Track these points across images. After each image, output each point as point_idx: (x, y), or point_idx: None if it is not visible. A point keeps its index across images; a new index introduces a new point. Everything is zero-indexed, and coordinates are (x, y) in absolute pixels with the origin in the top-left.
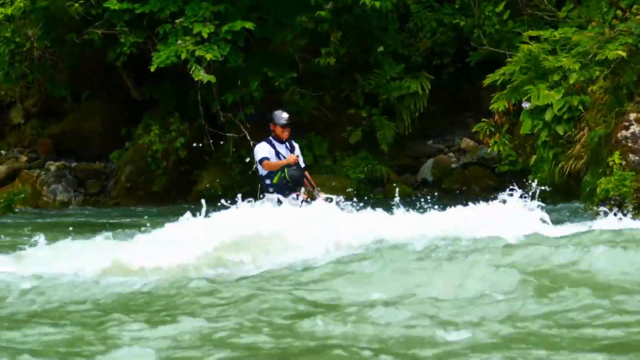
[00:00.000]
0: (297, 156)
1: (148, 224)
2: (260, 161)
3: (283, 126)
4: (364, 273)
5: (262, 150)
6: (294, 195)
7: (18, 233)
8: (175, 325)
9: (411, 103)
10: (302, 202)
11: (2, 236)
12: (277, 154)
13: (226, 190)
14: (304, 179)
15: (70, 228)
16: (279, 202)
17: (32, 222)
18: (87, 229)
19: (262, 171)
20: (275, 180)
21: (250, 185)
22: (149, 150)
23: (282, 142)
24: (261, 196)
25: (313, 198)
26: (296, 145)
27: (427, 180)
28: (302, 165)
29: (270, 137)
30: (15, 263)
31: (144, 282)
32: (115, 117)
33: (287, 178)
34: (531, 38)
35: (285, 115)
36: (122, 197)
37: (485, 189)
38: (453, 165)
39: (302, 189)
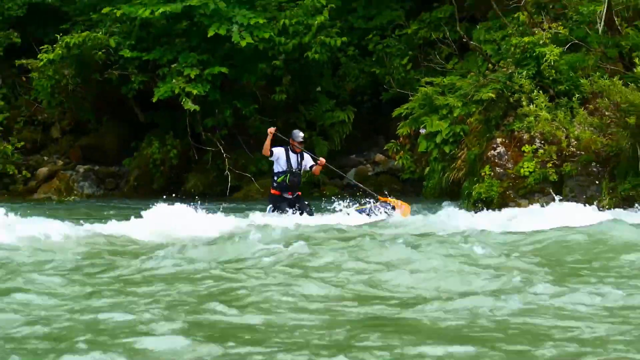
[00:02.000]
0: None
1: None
2: (271, 153)
3: (299, 142)
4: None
5: (276, 149)
6: (288, 194)
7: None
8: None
9: (340, 128)
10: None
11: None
12: (287, 160)
13: (205, 188)
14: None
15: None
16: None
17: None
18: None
19: (275, 170)
20: (279, 179)
21: (222, 185)
22: (151, 159)
23: (295, 153)
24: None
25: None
26: (306, 156)
27: (351, 183)
28: (309, 165)
29: (288, 147)
30: None
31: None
32: (126, 135)
33: (288, 182)
34: (427, 83)
35: (301, 134)
36: (131, 192)
37: (391, 191)
38: (369, 173)
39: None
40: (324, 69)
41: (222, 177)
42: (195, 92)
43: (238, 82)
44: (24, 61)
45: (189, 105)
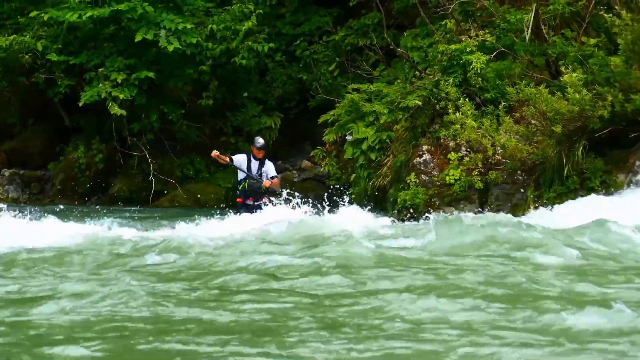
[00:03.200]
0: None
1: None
2: (230, 160)
3: (258, 148)
4: None
5: (237, 156)
6: (250, 200)
7: None
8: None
9: (267, 134)
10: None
11: None
12: (249, 166)
13: (131, 193)
14: (265, 188)
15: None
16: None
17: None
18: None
19: (238, 177)
20: (240, 186)
21: (148, 190)
22: (77, 163)
23: (257, 159)
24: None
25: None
26: (269, 163)
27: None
28: (270, 175)
29: (250, 154)
30: None
31: None
32: (52, 138)
33: (247, 188)
34: (354, 89)
35: (261, 140)
36: (56, 196)
37: (316, 197)
38: (295, 179)
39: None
40: (252, 74)
41: (148, 182)
42: (122, 96)
43: (165, 87)
44: None
45: (116, 109)
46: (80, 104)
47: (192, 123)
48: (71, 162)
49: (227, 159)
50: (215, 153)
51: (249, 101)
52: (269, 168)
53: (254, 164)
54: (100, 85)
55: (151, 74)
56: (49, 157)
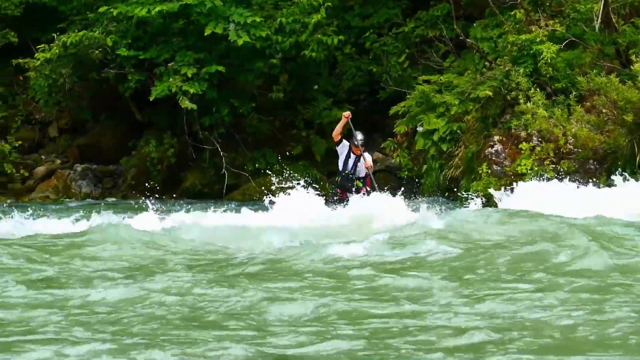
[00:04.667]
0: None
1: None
2: (340, 140)
3: (356, 145)
4: None
5: (345, 142)
6: (338, 191)
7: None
8: None
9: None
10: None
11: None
12: (346, 159)
13: (204, 186)
14: (358, 183)
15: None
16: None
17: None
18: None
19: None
20: (337, 178)
21: (219, 183)
22: (148, 157)
23: (354, 155)
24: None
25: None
26: (367, 157)
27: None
28: (362, 172)
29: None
30: None
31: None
32: (124, 133)
33: (339, 182)
34: (424, 81)
35: (360, 136)
36: (128, 191)
37: (389, 189)
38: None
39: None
40: (321, 67)
41: (220, 176)
42: (192, 90)
43: (235, 81)
44: (20, 60)
45: (186, 103)
46: (151, 99)
47: (263, 116)
48: (143, 156)
49: (343, 127)
50: (347, 114)
51: (319, 94)
52: (362, 168)
53: (351, 159)
54: (171, 79)
55: (221, 68)
56: (121, 152)
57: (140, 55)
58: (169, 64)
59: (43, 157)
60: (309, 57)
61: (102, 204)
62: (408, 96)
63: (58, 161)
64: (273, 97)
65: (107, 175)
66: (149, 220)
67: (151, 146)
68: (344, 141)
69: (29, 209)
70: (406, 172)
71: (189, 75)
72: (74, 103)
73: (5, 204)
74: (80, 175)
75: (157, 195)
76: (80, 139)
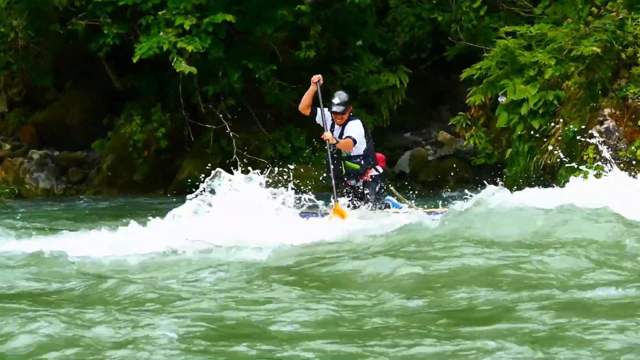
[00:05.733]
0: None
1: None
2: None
3: (334, 111)
4: None
5: (320, 110)
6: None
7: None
8: None
9: (389, 96)
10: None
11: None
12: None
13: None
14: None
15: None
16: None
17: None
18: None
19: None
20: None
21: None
22: (131, 140)
23: (340, 126)
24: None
25: None
26: (353, 126)
27: (405, 172)
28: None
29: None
30: None
31: None
32: (97, 107)
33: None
34: (507, 34)
35: (337, 99)
36: (103, 186)
37: (460, 181)
38: (430, 158)
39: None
40: (367, 14)
41: (229, 164)
42: (190, 48)
43: (249, 35)
44: None
45: (183, 66)
46: (135, 60)
47: (286, 83)
48: (124, 138)
49: (312, 97)
50: (316, 78)
51: (363, 52)
52: (350, 131)
53: (336, 131)
54: (162, 33)
55: (230, 17)
56: (93, 133)
57: (120, 0)
58: (159, 12)
59: None
60: (349, 2)
61: (65, 205)
62: (485, 55)
63: (7, 145)
64: (301, 55)
65: (74, 164)
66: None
67: (134, 124)
68: (318, 110)
69: None
70: (484, 159)
71: (186, 28)
72: (29, 66)
73: None
74: (37, 164)
75: (142, 192)
76: (37, 114)
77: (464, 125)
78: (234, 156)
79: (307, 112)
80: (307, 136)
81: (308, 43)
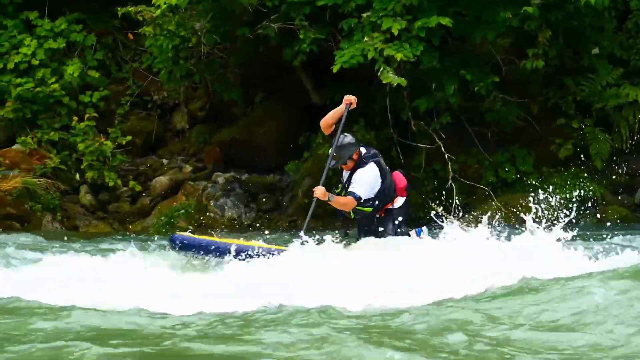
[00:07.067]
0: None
1: None
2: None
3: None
4: None
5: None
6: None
7: None
8: None
9: (630, 113)
10: None
11: None
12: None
13: (417, 209)
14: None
15: None
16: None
17: None
18: None
19: None
20: None
21: (442, 202)
22: None
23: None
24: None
25: None
26: (360, 175)
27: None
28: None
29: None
30: None
31: None
32: (292, 124)
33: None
34: None
35: (344, 139)
36: (299, 215)
37: None
38: None
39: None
40: (605, 19)
41: (443, 190)
42: (399, 56)
43: (467, 41)
44: (130, 9)
45: (390, 77)
46: (335, 70)
47: (510, 96)
48: (322, 160)
49: (337, 118)
50: (350, 98)
51: (600, 62)
52: (355, 182)
53: (344, 176)
54: (366, 39)
55: (446, 21)
56: (287, 154)
57: (319, 0)
58: (364, 15)
59: (164, 161)
60: (584, 3)
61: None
62: None
63: (188, 167)
64: (528, 66)
65: (264, 190)
66: None
67: None
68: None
69: (147, 248)
70: None
71: (395, 33)
72: (213, 76)
73: (103, 239)
74: (222, 189)
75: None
76: (223, 132)
77: None
78: (449, 181)
79: (327, 132)
80: (534, 160)
81: (535, 51)
